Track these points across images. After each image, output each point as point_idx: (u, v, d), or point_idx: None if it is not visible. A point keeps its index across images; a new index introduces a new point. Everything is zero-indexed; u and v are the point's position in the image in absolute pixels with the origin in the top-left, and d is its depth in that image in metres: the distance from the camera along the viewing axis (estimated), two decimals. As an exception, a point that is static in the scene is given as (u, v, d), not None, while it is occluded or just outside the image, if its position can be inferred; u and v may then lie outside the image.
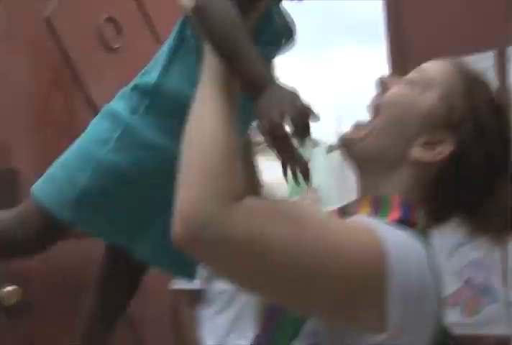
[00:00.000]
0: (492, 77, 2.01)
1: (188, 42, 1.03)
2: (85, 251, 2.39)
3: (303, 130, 0.75)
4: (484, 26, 2.10)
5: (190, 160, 0.82)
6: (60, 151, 1.15)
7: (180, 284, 2.26)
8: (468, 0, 2.22)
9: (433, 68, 1.03)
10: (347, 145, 1.03)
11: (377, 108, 1.03)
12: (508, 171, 0.99)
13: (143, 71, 1.13)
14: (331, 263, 0.81)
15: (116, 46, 2.61)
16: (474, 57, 2.00)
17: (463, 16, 2.19)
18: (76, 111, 2.49)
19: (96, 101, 2.53)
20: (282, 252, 0.79)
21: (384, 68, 2.29)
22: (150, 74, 1.09)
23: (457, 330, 1.93)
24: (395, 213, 0.93)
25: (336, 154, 5.07)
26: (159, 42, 2.86)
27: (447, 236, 2.28)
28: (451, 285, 2.31)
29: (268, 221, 0.80)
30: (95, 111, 2.53)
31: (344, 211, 1.02)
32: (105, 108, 1.13)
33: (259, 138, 1.05)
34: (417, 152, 0.97)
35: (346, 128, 1.07)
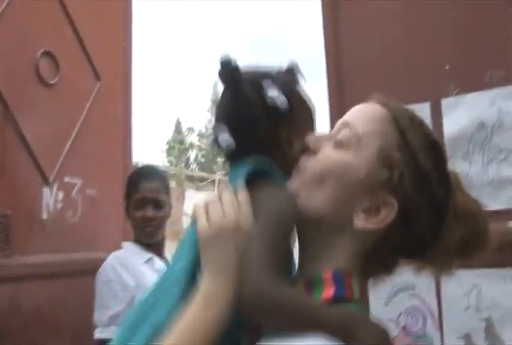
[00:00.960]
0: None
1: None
2: (10, 298, 2.28)
3: None
4: (420, 79, 2.16)
5: None
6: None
7: (104, 333, 2.17)
8: (408, 54, 2.27)
9: (362, 121, 0.96)
10: None
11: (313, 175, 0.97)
12: (449, 211, 0.96)
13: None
14: None
15: (53, 81, 2.54)
16: (411, 106, 2.06)
17: (403, 70, 2.24)
18: (8, 147, 2.40)
19: (28, 138, 2.44)
20: None
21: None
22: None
23: (394, 380, 1.90)
24: (329, 291, 0.88)
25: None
26: (98, 78, 2.81)
27: (383, 285, 2.29)
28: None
29: None
30: (27, 148, 2.45)
31: None
32: None
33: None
34: (360, 221, 0.92)
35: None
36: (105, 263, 2.30)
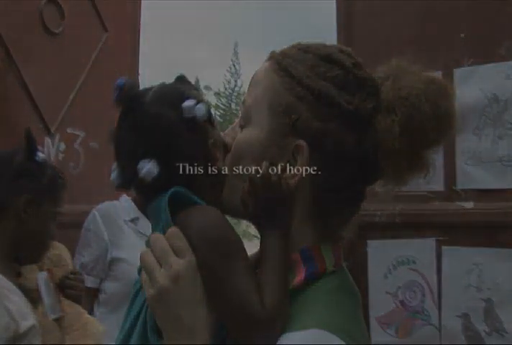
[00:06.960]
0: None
1: None
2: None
3: None
4: (433, 47, 2.08)
5: None
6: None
7: None
8: (423, 20, 2.19)
9: (252, 90, 0.89)
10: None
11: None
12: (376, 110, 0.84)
13: None
14: None
15: (57, 30, 2.45)
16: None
17: (415, 35, 2.17)
18: (9, 96, 2.33)
19: (30, 87, 2.37)
20: None
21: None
22: None
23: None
24: (301, 272, 0.83)
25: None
26: (105, 29, 2.72)
27: (383, 258, 2.24)
28: (386, 305, 2.25)
29: None
30: (29, 96, 2.38)
31: None
32: None
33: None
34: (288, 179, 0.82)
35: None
36: (91, 211, 2.29)
